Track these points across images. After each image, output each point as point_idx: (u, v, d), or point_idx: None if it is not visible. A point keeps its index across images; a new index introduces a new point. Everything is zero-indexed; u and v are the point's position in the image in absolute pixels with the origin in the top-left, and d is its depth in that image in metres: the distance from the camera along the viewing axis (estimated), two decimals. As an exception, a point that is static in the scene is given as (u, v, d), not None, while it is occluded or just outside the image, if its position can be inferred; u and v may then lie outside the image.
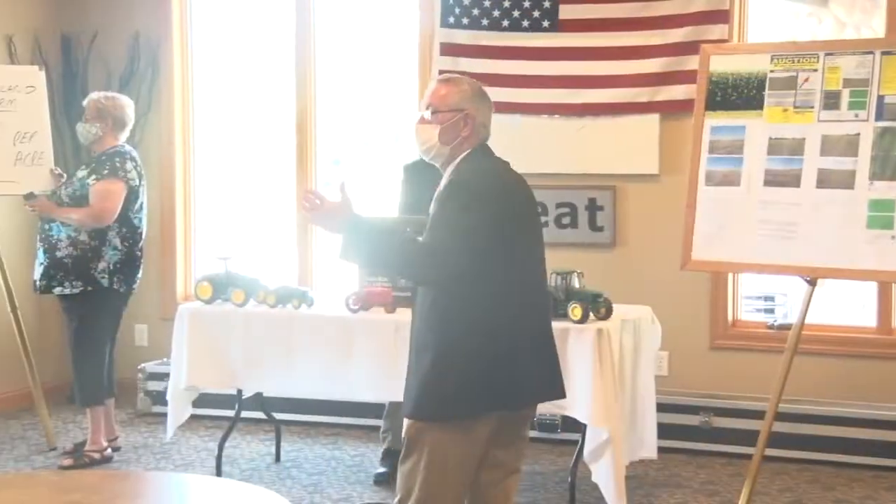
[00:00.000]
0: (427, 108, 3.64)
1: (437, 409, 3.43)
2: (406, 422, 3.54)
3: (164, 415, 5.65)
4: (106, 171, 5.63)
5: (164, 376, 6.25)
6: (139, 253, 5.81)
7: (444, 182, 3.59)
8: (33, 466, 5.80)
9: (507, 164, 3.68)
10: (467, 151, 3.59)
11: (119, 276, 5.69)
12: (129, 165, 5.70)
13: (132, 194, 5.69)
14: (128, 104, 5.86)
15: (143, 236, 5.84)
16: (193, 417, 6.09)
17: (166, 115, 7.21)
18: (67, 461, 5.71)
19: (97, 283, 5.62)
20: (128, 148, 5.83)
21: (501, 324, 3.45)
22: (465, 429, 3.43)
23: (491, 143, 6.26)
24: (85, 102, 5.88)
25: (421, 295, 3.54)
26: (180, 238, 7.28)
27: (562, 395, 3.65)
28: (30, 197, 5.76)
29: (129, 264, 5.73)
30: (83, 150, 6.02)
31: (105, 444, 5.85)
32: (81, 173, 5.71)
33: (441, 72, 6.62)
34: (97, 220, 5.59)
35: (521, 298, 3.52)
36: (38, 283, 5.72)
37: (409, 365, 3.57)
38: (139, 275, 5.86)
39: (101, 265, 5.63)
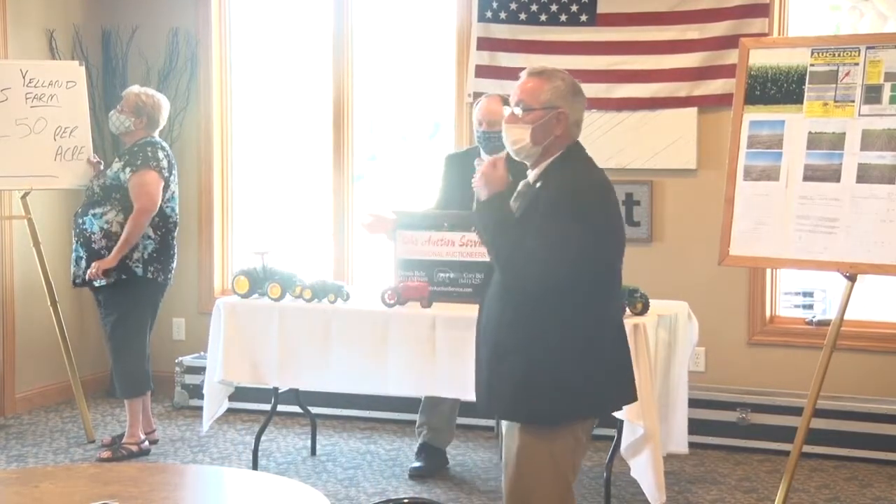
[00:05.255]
0: (517, 105, 3.49)
1: (550, 412, 3.40)
2: (507, 431, 3.52)
3: (201, 408, 5.67)
4: (139, 162, 5.67)
5: (201, 370, 6.29)
6: (173, 242, 5.84)
7: (534, 183, 3.48)
8: (72, 459, 5.84)
9: (595, 165, 3.56)
10: (559, 153, 3.47)
11: (155, 266, 5.72)
12: (160, 155, 5.74)
13: (163, 183, 5.72)
14: (165, 106, 5.90)
15: (176, 225, 5.87)
16: (230, 411, 6.13)
17: (205, 110, 7.24)
18: (106, 454, 5.75)
19: (132, 272, 5.65)
20: (159, 139, 5.87)
21: (597, 332, 3.42)
22: (572, 433, 3.44)
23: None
24: (124, 92, 5.92)
25: (498, 295, 3.48)
26: (218, 232, 7.31)
27: (635, 398, 3.66)
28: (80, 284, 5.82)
29: (163, 253, 5.77)
30: (121, 142, 6.06)
31: (142, 436, 5.89)
32: (116, 166, 5.75)
33: (478, 67, 6.62)
34: (146, 215, 5.64)
35: (610, 308, 3.51)
36: (81, 277, 5.76)
37: (482, 363, 3.56)
38: (174, 264, 5.89)
39: (136, 254, 5.67)
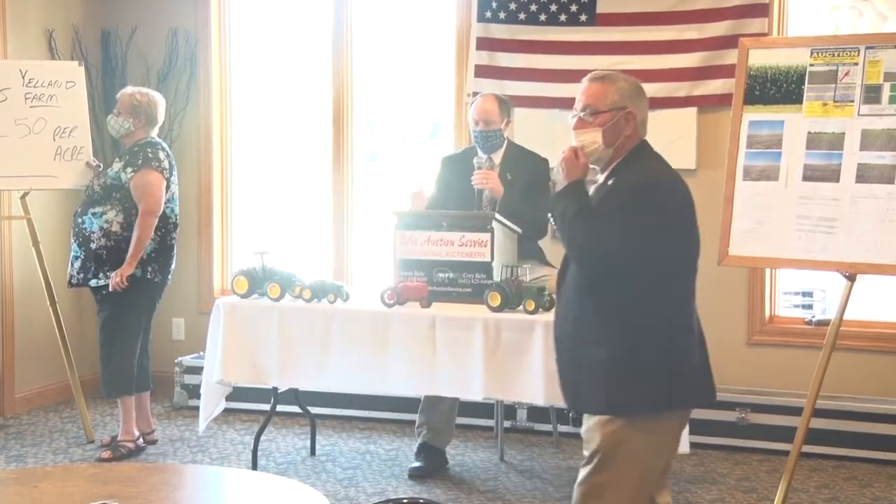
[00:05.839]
0: (583, 110, 3.53)
1: (637, 403, 3.38)
2: (591, 424, 3.48)
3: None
4: (140, 162, 5.67)
5: (200, 370, 6.26)
6: (172, 242, 5.84)
7: (606, 181, 3.50)
8: (71, 459, 5.84)
9: (665, 161, 3.58)
10: (628, 152, 3.50)
11: (153, 266, 5.73)
12: (161, 155, 5.74)
13: (165, 184, 5.72)
14: (161, 103, 5.90)
15: (176, 226, 5.87)
16: (229, 411, 6.13)
17: (204, 110, 7.24)
18: (106, 454, 5.74)
19: (131, 274, 5.65)
20: (157, 139, 5.88)
21: (675, 326, 3.43)
22: (654, 428, 3.42)
23: (528, 137, 6.28)
24: (118, 95, 5.92)
25: (575, 291, 3.48)
26: (217, 232, 7.31)
27: (714, 397, 3.61)
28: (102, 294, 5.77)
29: (162, 254, 5.77)
30: (120, 143, 6.06)
31: (137, 433, 5.89)
32: (116, 166, 5.75)
33: (477, 67, 6.62)
34: (152, 216, 5.64)
35: (689, 303, 3.50)
36: (76, 276, 5.76)
37: (565, 360, 3.55)
38: (173, 265, 5.90)
39: None
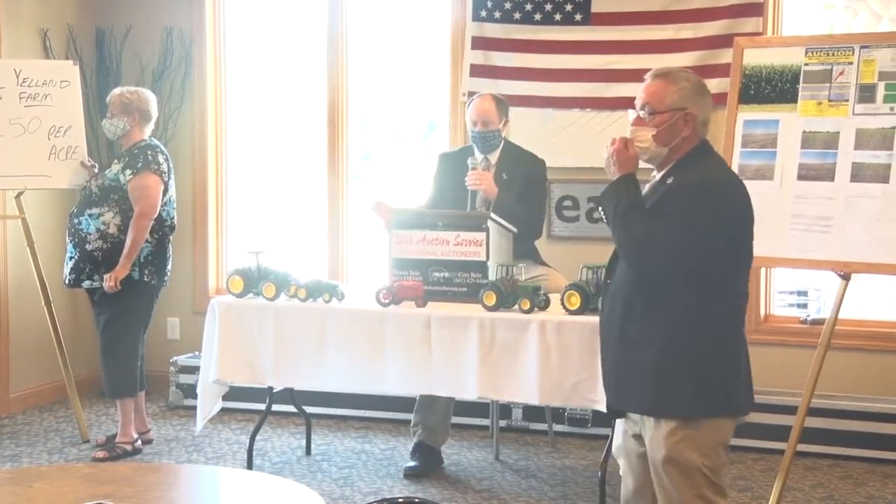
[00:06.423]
0: (643, 108, 3.49)
1: (683, 405, 3.37)
2: (653, 435, 3.44)
3: (196, 408, 5.66)
4: (140, 165, 5.67)
5: (195, 369, 6.27)
6: (168, 245, 5.84)
7: (664, 180, 3.47)
8: (67, 459, 5.83)
9: (725, 162, 3.56)
10: (686, 152, 3.46)
11: (150, 269, 5.72)
12: (160, 158, 5.74)
13: (163, 187, 5.72)
14: (151, 98, 5.90)
15: (173, 228, 5.87)
16: (225, 411, 6.12)
17: (199, 109, 7.23)
18: (101, 454, 5.74)
19: (128, 276, 5.64)
20: (156, 141, 5.88)
21: (728, 329, 3.42)
22: (715, 433, 3.44)
23: (523, 136, 6.27)
24: (108, 98, 5.92)
25: (625, 287, 3.46)
26: (212, 232, 7.31)
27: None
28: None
29: (159, 256, 5.77)
30: (115, 144, 6.06)
31: (135, 435, 5.88)
32: (115, 167, 5.74)
33: (472, 66, 6.62)
34: (147, 219, 5.64)
35: (741, 304, 3.48)
36: (68, 277, 5.76)
37: (610, 356, 3.54)
38: (169, 267, 5.90)
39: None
